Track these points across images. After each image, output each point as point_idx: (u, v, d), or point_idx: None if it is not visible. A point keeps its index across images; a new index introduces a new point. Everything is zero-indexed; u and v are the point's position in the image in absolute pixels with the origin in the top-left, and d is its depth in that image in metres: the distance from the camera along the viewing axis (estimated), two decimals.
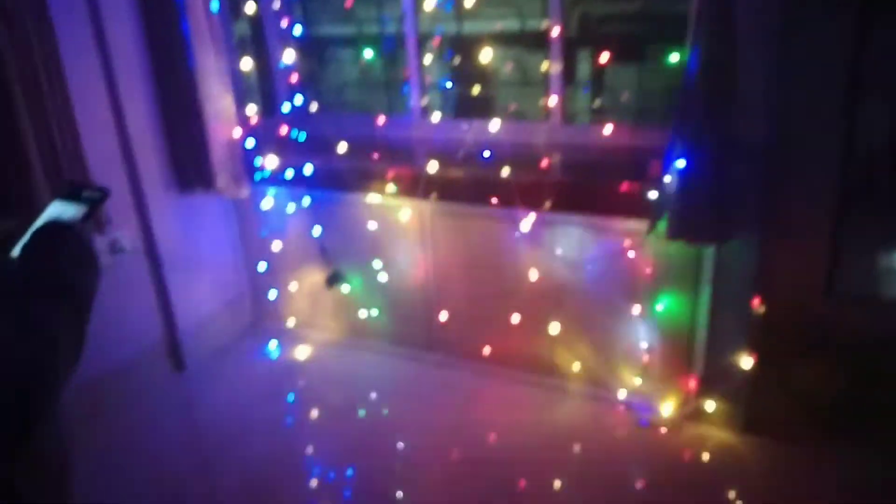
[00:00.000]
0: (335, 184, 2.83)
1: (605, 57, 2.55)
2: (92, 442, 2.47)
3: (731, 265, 2.30)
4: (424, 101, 3.01)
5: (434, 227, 2.76)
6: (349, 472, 2.37)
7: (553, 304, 2.62)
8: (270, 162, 2.89)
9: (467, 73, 3.14)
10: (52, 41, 2.19)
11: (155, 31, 2.63)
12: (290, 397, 2.81)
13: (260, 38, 3.21)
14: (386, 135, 2.98)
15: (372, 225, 2.85)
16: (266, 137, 2.96)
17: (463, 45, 3.17)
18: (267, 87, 3.28)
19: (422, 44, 3.01)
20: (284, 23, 3.14)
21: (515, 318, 2.70)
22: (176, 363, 2.99)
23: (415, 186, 2.67)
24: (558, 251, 2.54)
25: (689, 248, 2.28)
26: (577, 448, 2.42)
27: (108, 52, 2.50)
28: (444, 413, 2.66)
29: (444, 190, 2.65)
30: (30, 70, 2.11)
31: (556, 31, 2.63)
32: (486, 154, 2.68)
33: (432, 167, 2.62)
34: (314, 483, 2.35)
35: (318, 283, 3.05)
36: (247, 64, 2.99)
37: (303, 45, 3.29)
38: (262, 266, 3.18)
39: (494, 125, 2.75)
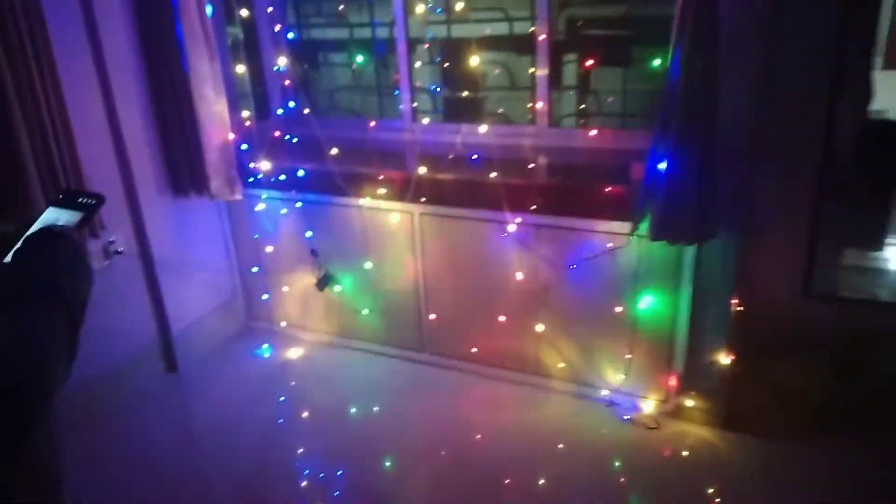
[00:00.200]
0: (327, 187, 2.88)
1: (590, 62, 2.61)
2: (85, 444, 2.50)
3: (711, 265, 2.36)
4: (415, 105, 3.06)
5: (423, 230, 2.81)
6: (339, 472, 2.42)
7: (539, 305, 2.67)
8: (263, 165, 2.94)
9: (457, 77, 3.19)
10: (47, 45, 2.21)
11: (149, 35, 2.67)
12: (282, 398, 2.86)
13: (253, 42, 3.26)
14: (377, 138, 3.03)
15: (363, 227, 2.90)
16: (259, 141, 3.00)
17: (452, 50, 3.22)
18: (260, 91, 3.33)
19: (412, 48, 3.07)
20: (277, 27, 3.19)
21: (502, 318, 2.76)
22: (169, 364, 3.03)
23: (405, 189, 2.72)
24: (544, 253, 2.59)
25: (671, 248, 2.33)
26: (561, 446, 2.47)
27: (102, 55, 2.53)
28: (433, 412, 2.71)
29: (434, 193, 2.70)
30: (24, 73, 2.13)
31: (542, 36, 2.69)
32: (475, 157, 2.73)
33: (422, 170, 2.68)
34: (305, 483, 2.39)
35: (309, 285, 3.11)
36: (241, 68, 3.03)
37: (296, 48, 3.34)
38: (254, 268, 3.23)
39: (483, 129, 2.81)
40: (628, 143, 2.62)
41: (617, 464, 2.38)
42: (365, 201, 2.84)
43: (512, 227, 2.59)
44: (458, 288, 2.84)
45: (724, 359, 2.41)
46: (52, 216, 1.16)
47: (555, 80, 2.85)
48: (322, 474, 2.42)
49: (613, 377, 2.65)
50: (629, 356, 2.58)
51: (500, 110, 3.29)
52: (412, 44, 3.05)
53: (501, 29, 3.57)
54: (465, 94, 3.20)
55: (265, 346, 3.21)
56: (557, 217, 2.52)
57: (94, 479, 2.33)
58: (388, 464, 2.45)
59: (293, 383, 2.95)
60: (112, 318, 2.68)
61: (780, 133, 2.22)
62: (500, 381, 2.85)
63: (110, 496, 2.32)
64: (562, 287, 2.61)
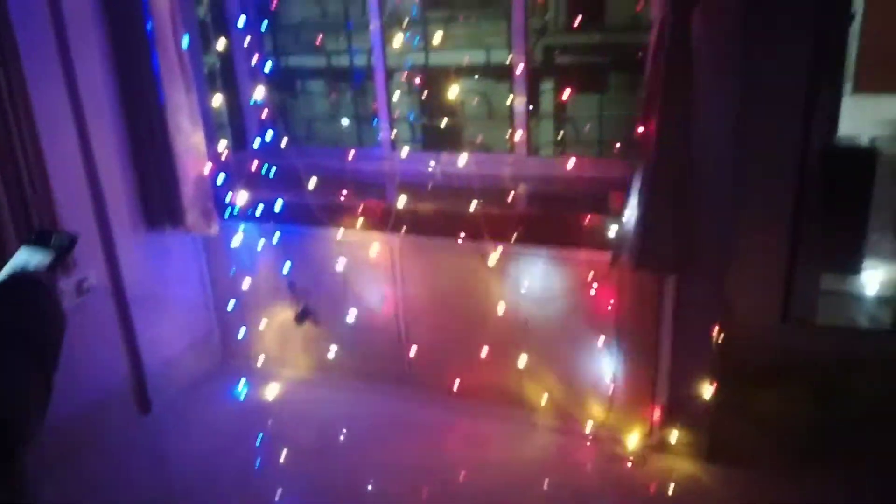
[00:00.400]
0: (305, 219, 2.84)
1: (567, 92, 2.63)
2: (55, 488, 2.41)
3: (691, 294, 2.35)
4: (393, 134, 3.05)
5: (403, 261, 2.78)
6: None
7: (520, 337, 2.64)
8: (241, 198, 2.89)
9: (435, 106, 3.19)
10: (20, 74, 2.18)
11: (125, 67, 2.65)
12: (259, 438, 2.78)
13: (230, 72, 3.23)
14: (356, 168, 3.01)
15: (341, 260, 2.86)
16: (237, 173, 2.97)
17: (431, 78, 3.23)
18: (237, 122, 3.30)
19: (390, 77, 3.06)
20: (255, 58, 3.18)
21: (484, 352, 2.72)
22: (142, 405, 2.94)
23: (384, 220, 2.70)
24: (525, 283, 2.57)
25: (652, 277, 2.33)
26: (546, 483, 2.42)
27: (76, 86, 2.49)
28: (416, 450, 2.65)
29: (413, 223, 2.68)
30: None
31: (520, 69, 2.69)
32: (454, 187, 2.72)
33: (401, 201, 2.65)
34: None
35: (287, 320, 3.05)
36: (217, 100, 3.00)
37: (273, 78, 3.32)
38: (231, 303, 3.17)
39: (462, 158, 2.80)
40: (606, 172, 2.63)
41: (602, 501, 2.34)
42: (344, 232, 2.80)
43: (492, 258, 2.57)
44: (439, 320, 2.80)
45: (707, 389, 2.39)
46: (24, 257, 1.17)
47: (533, 108, 2.87)
48: None
49: (597, 411, 2.62)
50: (612, 389, 2.55)
51: (478, 139, 3.30)
52: (390, 72, 3.05)
53: (479, 57, 3.61)
54: (444, 122, 3.21)
55: (242, 383, 3.14)
56: (538, 247, 2.51)
57: None
58: None
59: (271, 422, 2.88)
60: (83, 356, 2.60)
61: (755, 161, 2.24)
62: (483, 416, 2.80)
63: None
64: (543, 318, 2.58)
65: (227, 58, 3.19)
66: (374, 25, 2.89)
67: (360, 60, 3.27)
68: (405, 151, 3.00)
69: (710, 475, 2.41)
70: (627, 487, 2.40)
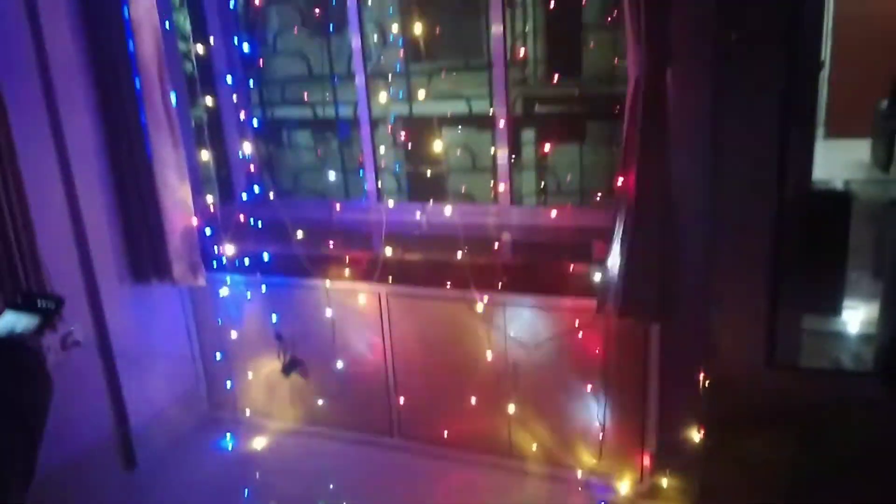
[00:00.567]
0: (292, 270, 2.85)
1: (547, 146, 2.69)
2: None
3: (676, 340, 2.38)
4: (379, 185, 3.10)
5: (391, 311, 2.79)
6: None
7: (509, 385, 2.65)
8: (228, 249, 2.91)
9: (420, 156, 3.26)
10: (6, 128, 2.19)
11: (112, 123, 2.68)
12: (247, 493, 2.73)
13: (218, 125, 3.28)
14: (342, 219, 3.04)
15: (329, 310, 2.86)
16: (224, 225, 2.99)
17: (415, 129, 3.30)
18: (225, 174, 3.33)
19: (375, 128, 3.13)
20: (242, 115, 3.23)
21: (473, 400, 2.72)
22: (127, 460, 2.88)
23: (371, 270, 2.72)
24: (512, 331, 2.59)
25: (637, 324, 2.35)
26: None
27: (64, 140, 2.51)
28: (405, 501, 2.62)
29: (400, 273, 2.70)
30: None
31: (502, 122, 2.76)
32: (440, 236, 2.75)
33: (388, 251, 2.68)
34: None
35: (275, 371, 3.03)
36: (205, 154, 3.04)
37: (260, 131, 3.37)
38: (218, 355, 3.15)
39: (447, 208, 2.84)
40: (589, 221, 2.68)
41: None
42: (331, 283, 2.82)
43: (479, 306, 2.59)
44: (427, 369, 2.80)
45: (695, 435, 2.40)
46: (9, 321, 1.16)
47: (515, 158, 2.93)
48: None
49: (587, 457, 2.61)
50: (601, 435, 2.55)
51: (463, 188, 3.36)
52: (375, 123, 3.11)
53: (461, 107, 3.69)
54: (429, 172, 3.26)
55: (228, 436, 3.09)
56: (523, 295, 2.54)
57: None
58: None
59: (258, 475, 2.83)
60: (68, 411, 2.54)
61: (732, 208, 2.30)
62: (473, 465, 2.77)
63: None
64: (531, 366, 2.60)
65: (214, 112, 3.24)
66: (360, 80, 2.97)
67: (345, 111, 3.34)
68: (391, 202, 3.05)
69: None
70: None
